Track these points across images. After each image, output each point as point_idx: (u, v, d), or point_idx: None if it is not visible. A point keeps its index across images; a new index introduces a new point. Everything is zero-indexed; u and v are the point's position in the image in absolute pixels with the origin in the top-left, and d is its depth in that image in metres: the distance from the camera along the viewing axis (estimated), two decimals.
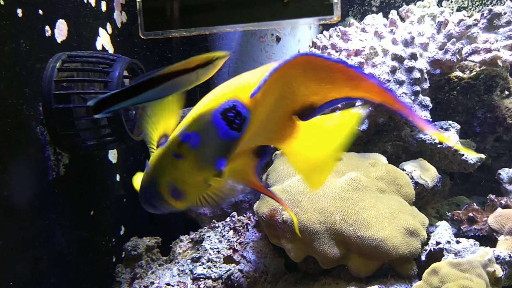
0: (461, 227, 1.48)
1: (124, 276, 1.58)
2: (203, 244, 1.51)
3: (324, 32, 1.74)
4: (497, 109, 1.78)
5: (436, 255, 1.22)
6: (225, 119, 0.67)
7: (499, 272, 1.13)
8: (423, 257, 1.25)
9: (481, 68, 1.76)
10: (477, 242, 1.23)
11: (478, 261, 1.13)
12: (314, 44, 1.68)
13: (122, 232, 1.70)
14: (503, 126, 1.78)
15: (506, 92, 1.79)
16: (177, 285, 1.42)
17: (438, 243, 1.22)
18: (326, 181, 1.32)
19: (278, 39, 1.80)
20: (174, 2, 0.85)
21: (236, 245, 1.49)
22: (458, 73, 1.81)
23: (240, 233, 1.52)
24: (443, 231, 1.27)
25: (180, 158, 0.71)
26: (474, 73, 1.78)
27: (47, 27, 1.30)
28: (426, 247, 1.25)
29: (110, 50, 1.64)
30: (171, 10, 0.85)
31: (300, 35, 1.86)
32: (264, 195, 1.37)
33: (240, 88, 0.68)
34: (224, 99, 0.68)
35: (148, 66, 1.86)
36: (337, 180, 1.34)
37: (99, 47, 1.56)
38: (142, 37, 0.96)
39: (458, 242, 1.22)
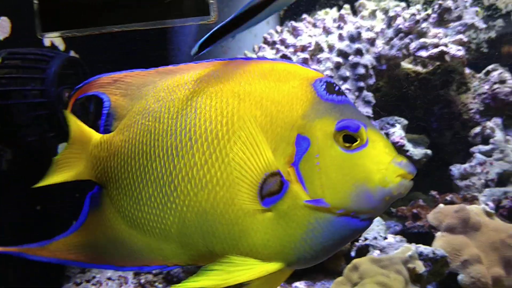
0: (406, 224, 1.48)
1: (73, 270, 1.60)
2: None
3: (277, 27, 1.74)
4: (453, 104, 1.77)
5: (363, 251, 1.22)
6: None
7: (420, 269, 1.12)
8: (352, 253, 1.25)
9: (438, 63, 1.74)
10: (403, 239, 1.23)
11: (398, 258, 1.13)
12: (265, 40, 1.68)
13: None
14: (459, 122, 1.77)
15: (463, 87, 1.78)
16: (118, 279, 1.44)
17: (365, 239, 1.22)
18: None
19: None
20: (67, 3, 0.86)
21: None
22: (417, 67, 1.80)
23: None
24: (374, 227, 1.27)
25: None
26: (431, 68, 1.77)
27: None
28: (356, 243, 1.25)
29: (61, 46, 1.65)
30: (64, 11, 0.86)
31: (257, 30, 1.85)
32: None
33: None
34: None
35: (106, 63, 1.88)
36: None
37: (47, 43, 1.58)
38: (39, 37, 0.97)
39: (385, 238, 1.21)
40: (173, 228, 0.66)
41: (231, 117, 0.63)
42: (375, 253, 1.18)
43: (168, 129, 0.67)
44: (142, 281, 1.42)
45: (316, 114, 0.61)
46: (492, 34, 2.03)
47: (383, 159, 0.58)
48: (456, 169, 1.62)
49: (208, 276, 0.59)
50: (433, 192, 1.49)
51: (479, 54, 2.05)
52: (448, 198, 1.49)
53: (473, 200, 1.50)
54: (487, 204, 1.47)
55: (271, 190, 0.59)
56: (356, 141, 0.58)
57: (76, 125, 0.77)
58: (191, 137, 0.65)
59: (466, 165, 1.62)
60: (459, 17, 1.59)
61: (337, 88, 0.63)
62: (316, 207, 0.58)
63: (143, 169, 0.68)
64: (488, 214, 1.38)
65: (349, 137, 0.59)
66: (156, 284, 1.42)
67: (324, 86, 0.63)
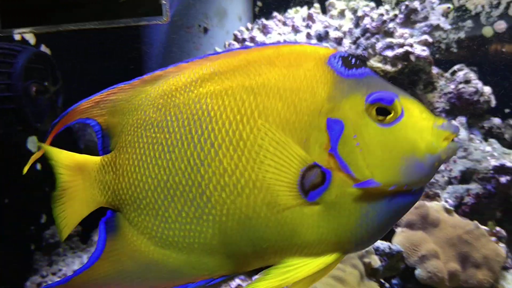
0: None
1: (41, 263, 1.61)
2: None
3: (248, 24, 1.76)
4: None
5: None
6: None
7: (375, 263, 1.16)
8: None
9: (406, 63, 1.78)
10: None
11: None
12: (235, 37, 1.70)
13: (43, 221, 1.73)
14: None
15: (430, 87, 1.81)
16: None
17: None
18: None
19: (206, 30, 1.82)
20: (26, 2, 0.87)
21: None
22: (386, 66, 1.83)
23: None
24: None
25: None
26: (400, 67, 1.80)
27: None
28: None
29: (32, 40, 1.66)
30: (23, 9, 0.88)
31: (229, 27, 1.87)
32: None
33: None
34: None
35: (79, 56, 1.89)
36: None
37: (17, 37, 1.58)
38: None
39: None
40: (214, 240, 0.61)
41: (251, 114, 0.59)
42: None
43: (183, 138, 0.62)
44: None
45: (342, 94, 0.58)
46: (462, 34, 2.07)
47: (425, 125, 0.56)
48: None
49: (267, 279, 0.58)
50: None
51: (449, 54, 2.09)
52: None
53: (434, 197, 1.54)
54: (447, 201, 1.51)
55: (314, 182, 0.57)
56: (390, 113, 0.56)
57: (65, 156, 0.70)
58: (212, 143, 0.60)
59: None
60: (425, 18, 1.62)
61: (353, 61, 0.60)
62: (367, 189, 0.55)
63: (165, 185, 0.63)
64: (447, 211, 1.42)
65: (382, 110, 0.56)
66: None
67: (340, 62, 0.60)
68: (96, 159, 0.69)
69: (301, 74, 0.60)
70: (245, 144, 0.59)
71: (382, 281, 1.22)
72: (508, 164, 1.59)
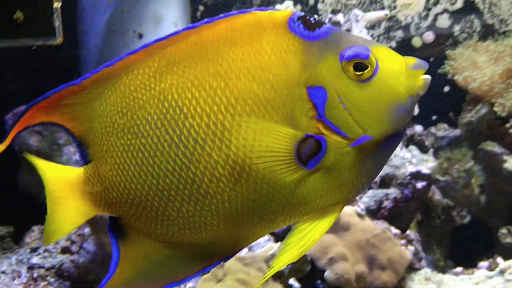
0: None
1: None
2: None
3: None
4: None
5: None
6: None
7: None
8: None
9: None
10: (271, 237, 1.33)
11: (261, 256, 1.23)
12: None
13: None
14: None
15: None
16: (11, 273, 1.49)
17: None
18: None
19: (140, 36, 1.86)
20: None
21: (74, 237, 1.56)
22: None
23: (82, 226, 1.59)
24: None
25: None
26: None
27: None
28: None
29: None
30: None
31: (164, 32, 1.91)
32: None
33: None
34: None
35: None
36: None
37: None
38: None
39: None
40: (221, 226, 0.62)
41: (227, 101, 0.58)
42: (243, 252, 1.28)
43: (161, 141, 0.60)
44: (35, 275, 1.48)
45: (315, 59, 0.58)
46: (393, 43, 2.16)
47: (399, 70, 0.57)
48: None
49: (288, 250, 0.58)
50: None
51: None
52: None
53: (352, 200, 1.62)
54: (361, 206, 1.60)
55: (311, 152, 0.58)
56: (367, 67, 0.56)
57: (51, 167, 0.67)
58: (195, 139, 0.59)
59: None
60: (348, 31, 1.70)
61: (313, 20, 0.59)
62: (362, 144, 0.57)
63: (157, 188, 0.61)
64: (359, 215, 1.51)
65: (359, 65, 0.56)
66: (48, 278, 1.48)
67: (302, 26, 0.58)
68: (79, 170, 0.66)
69: (266, 47, 0.58)
70: (230, 133, 0.58)
71: (290, 282, 1.30)
72: (424, 170, 1.69)
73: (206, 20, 0.59)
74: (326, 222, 0.60)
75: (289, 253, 0.58)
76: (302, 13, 0.59)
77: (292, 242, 0.59)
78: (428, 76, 0.56)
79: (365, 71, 0.56)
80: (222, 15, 0.59)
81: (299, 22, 0.58)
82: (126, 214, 0.64)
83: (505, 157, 1.67)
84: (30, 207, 1.94)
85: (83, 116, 0.64)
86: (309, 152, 0.57)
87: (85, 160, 0.65)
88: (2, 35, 0.85)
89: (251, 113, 0.57)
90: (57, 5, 0.82)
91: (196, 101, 0.58)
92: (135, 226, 0.65)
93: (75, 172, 0.66)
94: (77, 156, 1.79)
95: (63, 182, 0.66)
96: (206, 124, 0.58)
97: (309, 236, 0.59)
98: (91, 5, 1.88)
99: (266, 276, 0.59)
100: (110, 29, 1.85)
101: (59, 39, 0.83)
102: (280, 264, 0.58)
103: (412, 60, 0.57)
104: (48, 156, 1.78)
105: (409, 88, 0.56)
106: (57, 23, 0.82)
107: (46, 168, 0.66)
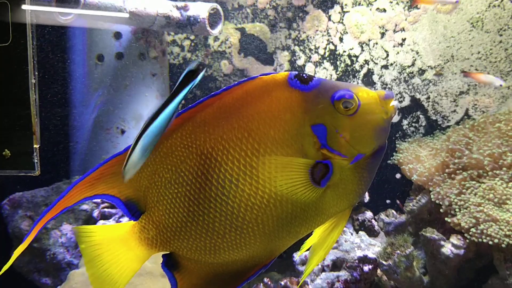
0: None
1: None
2: None
3: None
4: None
5: None
6: None
7: None
8: None
9: None
10: None
11: None
12: None
13: None
14: None
15: None
16: None
17: None
18: None
19: (123, 132, 2.12)
20: None
21: None
22: None
23: None
24: None
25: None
26: None
27: None
28: None
29: None
30: None
31: None
32: (68, 277, 1.63)
33: None
34: None
35: None
36: None
37: None
38: None
39: None
40: (257, 243, 0.76)
41: (252, 147, 0.73)
42: None
43: (203, 185, 0.75)
44: None
45: (313, 104, 0.73)
46: None
47: (375, 101, 0.74)
48: (298, 255, 1.95)
49: (316, 254, 0.78)
50: (265, 279, 1.80)
51: None
52: (282, 283, 1.81)
53: (303, 285, 1.82)
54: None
55: (322, 173, 0.73)
56: (353, 104, 0.72)
57: (103, 229, 0.80)
58: (230, 180, 0.74)
59: (307, 252, 1.95)
60: None
61: (305, 76, 0.74)
62: (358, 161, 0.74)
63: (203, 224, 0.76)
64: None
65: (347, 103, 0.72)
66: None
67: (298, 82, 0.74)
68: (129, 224, 0.80)
69: (275, 101, 0.73)
70: (257, 170, 0.73)
71: None
72: (370, 255, 1.89)
73: (224, 88, 0.75)
74: (341, 226, 0.79)
75: (317, 255, 0.78)
76: (296, 72, 0.75)
77: (317, 247, 0.79)
78: (396, 102, 0.74)
79: (351, 107, 0.73)
80: (236, 82, 0.74)
81: (296, 79, 0.74)
82: (179, 248, 0.78)
83: (442, 243, 1.87)
84: (19, 286, 2.13)
85: (130, 182, 0.77)
86: (320, 174, 0.73)
87: (135, 215, 0.80)
88: None
89: (271, 152, 0.73)
90: (36, 146, 1.07)
91: (227, 150, 0.73)
92: (188, 256, 0.79)
93: (126, 227, 0.80)
94: (62, 239, 2.00)
95: (116, 240, 0.79)
96: (237, 167, 0.73)
97: (329, 239, 0.79)
98: (80, 103, 2.16)
99: (304, 275, 0.81)
100: (97, 125, 2.11)
101: (37, 172, 1.07)
102: (313, 265, 0.78)
103: (382, 93, 0.74)
104: (37, 239, 1.99)
105: (384, 113, 0.74)
106: (36, 159, 1.07)
107: (99, 231, 0.79)
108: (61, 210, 0.75)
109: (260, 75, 0.75)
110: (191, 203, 0.75)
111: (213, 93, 0.75)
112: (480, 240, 1.72)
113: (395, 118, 2.31)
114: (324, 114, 0.73)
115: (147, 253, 0.80)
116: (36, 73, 1.15)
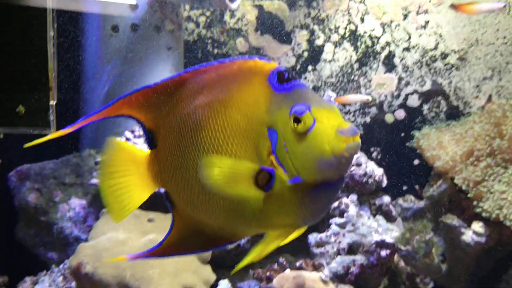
0: (261, 285, 1.73)
1: None
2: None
3: None
4: None
5: None
6: None
7: None
8: None
9: None
10: None
11: None
12: None
13: None
14: None
15: None
16: None
17: None
18: (130, 240, 1.55)
19: None
20: None
21: None
22: None
23: (67, 280, 1.73)
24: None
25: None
26: None
27: None
28: None
29: None
30: None
31: None
32: (77, 250, 1.58)
33: None
34: None
35: None
36: (139, 240, 1.57)
37: None
38: None
39: None
40: (221, 216, 0.79)
41: (221, 125, 0.75)
42: None
43: (190, 143, 0.79)
44: None
45: (275, 107, 0.71)
46: (367, 119, 2.35)
47: (329, 132, 0.67)
48: (313, 237, 1.89)
49: (251, 255, 0.78)
50: (281, 259, 1.74)
51: None
52: (297, 264, 1.75)
53: (319, 267, 1.77)
54: (323, 272, 1.74)
55: (265, 179, 0.72)
56: (301, 123, 0.68)
57: (123, 145, 0.86)
58: (205, 148, 0.77)
59: (323, 235, 1.89)
60: None
61: (286, 75, 0.72)
62: (297, 184, 0.70)
63: (186, 176, 0.80)
64: (323, 281, 1.65)
65: (298, 120, 0.69)
66: None
67: (276, 78, 0.72)
68: (146, 153, 0.86)
69: (251, 89, 0.74)
70: (218, 151, 0.75)
71: None
72: (388, 240, 1.83)
73: (224, 59, 0.77)
74: (277, 242, 0.78)
75: (250, 256, 0.78)
76: (284, 68, 0.74)
77: (256, 250, 0.79)
78: (354, 143, 0.67)
79: (299, 125, 0.69)
80: (239, 57, 0.76)
81: (276, 75, 0.73)
82: (172, 191, 0.83)
83: (462, 230, 1.81)
84: (25, 259, 2.08)
85: (153, 114, 0.82)
86: (264, 180, 0.72)
87: (150, 146, 0.85)
88: (6, 124, 1.03)
89: (234, 136, 0.74)
90: (52, 103, 1.01)
91: (208, 119, 0.76)
92: (177, 202, 0.84)
93: (143, 154, 0.86)
94: (70, 213, 1.94)
95: (133, 162, 0.85)
96: (209, 138, 0.76)
97: (267, 249, 0.78)
98: (93, 76, 2.09)
99: (235, 270, 0.82)
100: (109, 98, 2.05)
101: (52, 130, 1.01)
102: (244, 263, 0.79)
103: (345, 125, 0.68)
104: (44, 212, 1.94)
105: (332, 149, 0.68)
106: (52, 117, 1.01)
107: (119, 145, 0.84)
108: (102, 117, 0.80)
109: (259, 58, 0.75)
110: (180, 154, 0.80)
111: (214, 61, 0.78)
112: (505, 222, 1.65)
113: (415, 102, 2.25)
114: (279, 122, 0.71)
115: (152, 185, 0.85)
116: (55, 25, 1.09)
